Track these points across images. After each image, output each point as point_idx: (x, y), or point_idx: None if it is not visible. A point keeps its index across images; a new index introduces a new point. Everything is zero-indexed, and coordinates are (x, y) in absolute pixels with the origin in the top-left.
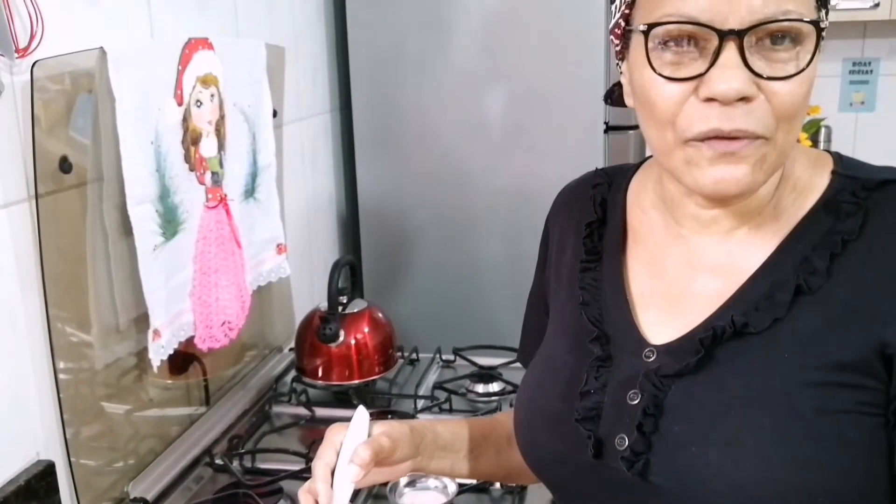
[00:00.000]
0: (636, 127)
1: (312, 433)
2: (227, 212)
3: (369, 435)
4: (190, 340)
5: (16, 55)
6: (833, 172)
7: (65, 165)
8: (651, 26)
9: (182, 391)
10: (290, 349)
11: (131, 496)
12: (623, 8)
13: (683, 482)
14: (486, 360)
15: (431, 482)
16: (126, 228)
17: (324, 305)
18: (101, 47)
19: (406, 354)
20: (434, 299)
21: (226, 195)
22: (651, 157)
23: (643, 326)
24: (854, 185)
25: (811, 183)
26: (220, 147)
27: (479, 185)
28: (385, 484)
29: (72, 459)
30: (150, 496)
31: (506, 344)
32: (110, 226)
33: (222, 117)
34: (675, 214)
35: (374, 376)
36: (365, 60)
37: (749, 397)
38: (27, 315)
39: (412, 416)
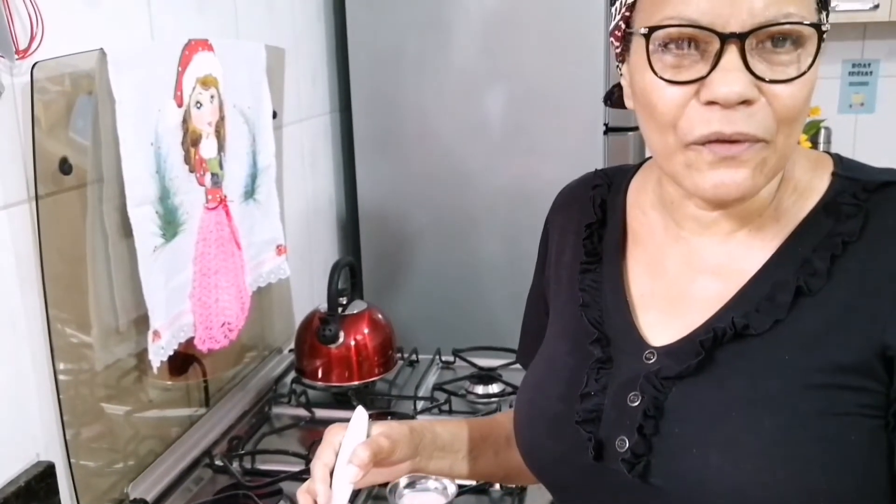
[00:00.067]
0: (636, 128)
1: (312, 434)
2: (227, 213)
3: (368, 435)
4: (190, 341)
5: (16, 56)
6: (833, 174)
7: (65, 167)
8: (652, 29)
9: (182, 392)
10: (290, 350)
11: (131, 497)
12: (623, 10)
13: (684, 484)
14: (485, 362)
15: (431, 483)
16: (126, 230)
17: (323, 306)
18: (101, 49)
19: (406, 355)
20: (434, 300)
21: (226, 196)
22: (651, 158)
23: (643, 328)
24: (854, 186)
25: (811, 185)
26: (220, 148)
27: (479, 185)
28: (384, 485)
29: (72, 460)
30: (149, 497)
31: (505, 345)
32: (110, 227)
33: (222, 119)
34: (675, 216)
35: (374, 377)
36: (365, 61)
37: (750, 399)
38: (27, 316)
39: (412, 418)
